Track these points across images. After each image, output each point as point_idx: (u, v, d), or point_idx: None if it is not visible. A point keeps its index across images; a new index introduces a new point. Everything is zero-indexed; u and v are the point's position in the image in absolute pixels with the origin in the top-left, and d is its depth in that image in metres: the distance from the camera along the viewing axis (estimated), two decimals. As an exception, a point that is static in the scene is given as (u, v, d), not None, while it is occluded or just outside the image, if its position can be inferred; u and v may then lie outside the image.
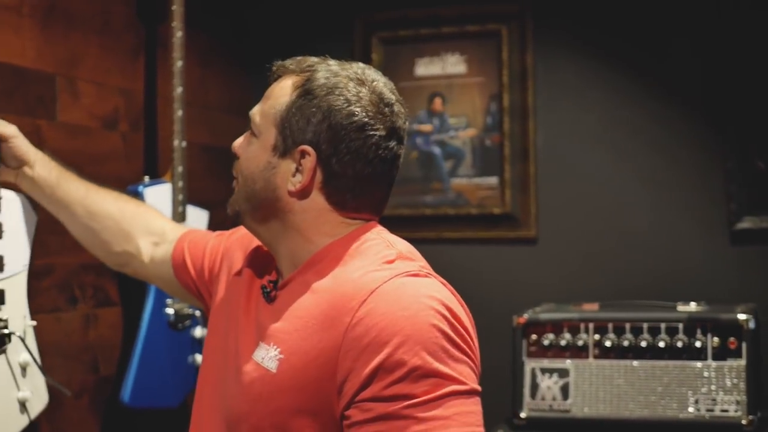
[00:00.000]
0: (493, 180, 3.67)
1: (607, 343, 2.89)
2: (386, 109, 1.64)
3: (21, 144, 2.11)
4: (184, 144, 3.04)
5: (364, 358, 1.47)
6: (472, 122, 3.70)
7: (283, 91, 1.66)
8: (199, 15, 3.36)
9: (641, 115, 3.54)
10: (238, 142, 1.73)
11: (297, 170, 1.62)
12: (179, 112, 3.05)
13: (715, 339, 2.84)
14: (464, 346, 1.50)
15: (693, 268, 3.43)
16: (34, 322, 2.25)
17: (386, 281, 1.52)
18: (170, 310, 3.02)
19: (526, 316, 2.98)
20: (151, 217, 2.19)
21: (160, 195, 3.01)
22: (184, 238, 2.08)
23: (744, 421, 2.80)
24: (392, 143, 1.64)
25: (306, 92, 1.62)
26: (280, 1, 3.93)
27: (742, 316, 2.84)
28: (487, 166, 3.69)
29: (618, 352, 2.89)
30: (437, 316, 1.49)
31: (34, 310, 2.69)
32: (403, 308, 1.48)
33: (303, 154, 1.61)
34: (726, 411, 2.80)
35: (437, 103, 3.70)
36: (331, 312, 1.53)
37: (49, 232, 2.74)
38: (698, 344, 2.83)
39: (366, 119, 1.61)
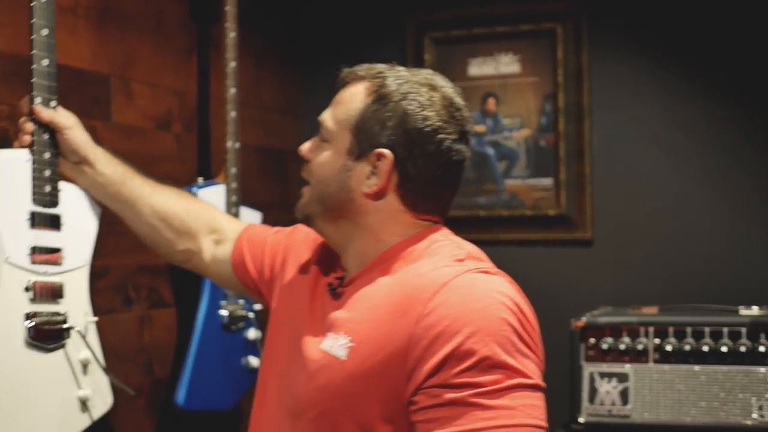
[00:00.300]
0: (547, 181, 3.63)
1: (668, 348, 2.84)
2: (457, 113, 1.70)
3: (78, 137, 2.11)
4: (237, 145, 3.03)
5: (435, 347, 1.52)
6: (526, 122, 3.66)
7: (355, 97, 1.71)
8: (251, 15, 3.35)
9: (699, 115, 3.49)
10: (307, 147, 1.78)
11: (372, 173, 1.69)
12: (233, 113, 3.04)
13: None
14: (531, 343, 1.55)
15: (754, 271, 3.38)
16: (96, 318, 2.23)
17: (458, 275, 1.57)
18: (224, 312, 3.01)
19: (584, 319, 2.94)
20: (212, 215, 2.22)
21: (213, 196, 3.00)
22: (242, 237, 2.11)
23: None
24: (462, 146, 1.70)
25: (380, 97, 1.68)
26: (331, 1, 3.91)
27: (808, 321, 2.79)
28: (541, 166, 3.64)
29: (679, 357, 2.83)
30: (507, 311, 1.54)
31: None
32: (474, 300, 1.54)
33: (379, 157, 1.67)
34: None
35: (491, 103, 3.67)
36: (404, 303, 1.58)
37: (105, 234, 2.74)
38: (762, 349, 2.77)
39: (439, 123, 1.67)
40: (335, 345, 1.64)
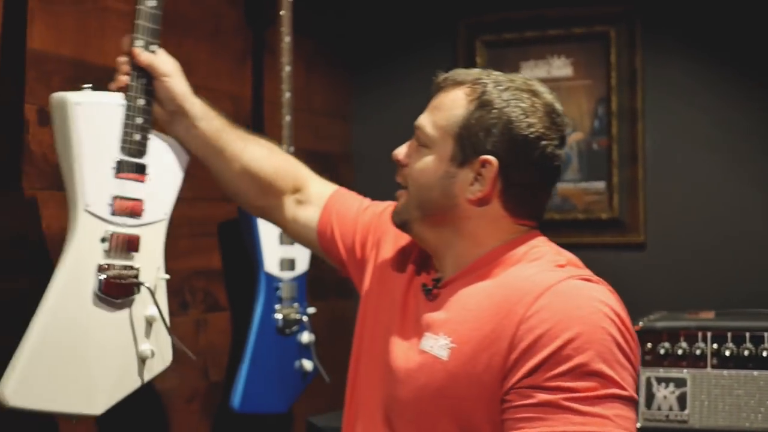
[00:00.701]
0: (600, 184, 3.62)
1: (726, 353, 2.81)
2: (558, 119, 1.73)
3: (177, 85, 2.07)
4: (292, 149, 3.05)
5: (535, 349, 1.54)
6: (578, 126, 3.65)
7: (456, 103, 1.72)
8: (302, 19, 3.36)
9: (754, 118, 3.48)
10: (403, 152, 1.80)
11: (476, 179, 1.70)
12: (287, 118, 3.06)
13: None
14: (630, 354, 1.57)
15: None
16: (168, 276, 2.22)
17: (562, 281, 1.59)
18: (278, 316, 3.02)
19: (641, 324, 2.92)
20: (299, 174, 2.21)
21: (269, 200, 3.02)
22: (331, 207, 2.12)
23: None
24: (562, 152, 1.74)
25: (483, 104, 1.69)
26: (382, 5, 3.92)
27: None
28: (594, 170, 3.63)
29: (737, 362, 2.81)
30: (607, 320, 1.55)
31: (148, 315, 2.73)
32: (577, 307, 1.55)
33: (484, 164, 1.69)
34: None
35: (542, 106, 3.66)
36: (505, 305, 1.60)
37: (163, 238, 2.77)
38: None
39: (543, 130, 1.69)
40: (435, 345, 1.66)
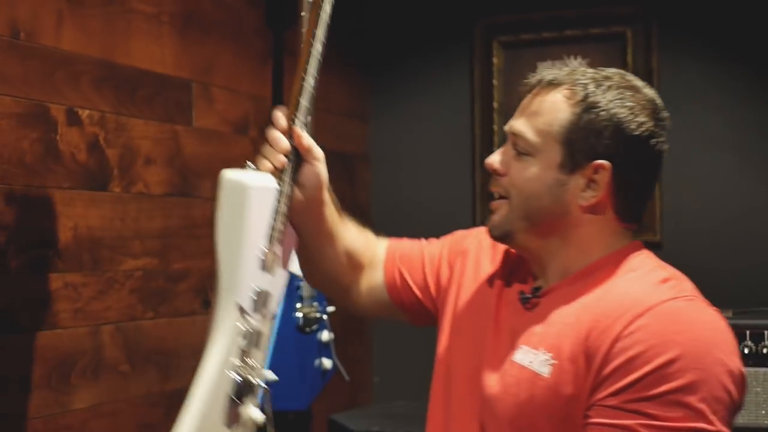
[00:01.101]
0: (616, 184, 3.63)
1: (745, 351, 2.83)
2: (662, 113, 1.65)
3: (324, 171, 1.83)
4: (312, 149, 3.07)
5: (625, 369, 1.47)
6: (594, 126, 3.66)
7: (556, 106, 1.62)
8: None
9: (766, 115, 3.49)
10: (500, 160, 1.68)
11: (588, 185, 1.61)
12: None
13: None
14: (731, 387, 1.46)
15: None
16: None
17: (665, 301, 1.51)
18: (299, 314, 3.04)
19: None
20: (372, 243, 2.01)
21: (290, 199, 3.04)
22: (392, 256, 1.96)
23: None
24: (666, 147, 1.64)
25: (590, 106, 1.59)
26: (399, 6, 3.95)
27: None
28: (610, 169, 3.65)
29: (756, 360, 2.83)
30: (708, 348, 1.47)
31: (173, 314, 2.77)
32: (677, 332, 1.47)
33: (597, 169, 1.60)
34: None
35: (559, 106, 3.68)
36: (604, 320, 1.52)
37: (186, 237, 2.81)
38: None
39: (652, 128, 1.61)
40: (536, 360, 1.59)
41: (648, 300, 1.51)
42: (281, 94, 3.26)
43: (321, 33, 1.90)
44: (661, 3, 3.59)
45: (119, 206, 2.58)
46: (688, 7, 3.58)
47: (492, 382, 1.65)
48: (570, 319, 1.58)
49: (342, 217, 1.93)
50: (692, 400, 1.43)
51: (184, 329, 2.83)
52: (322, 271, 1.94)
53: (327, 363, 3.13)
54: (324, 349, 3.15)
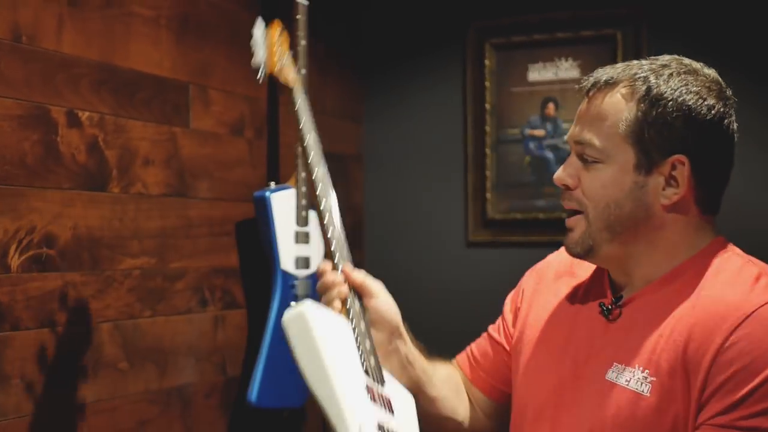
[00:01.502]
0: (607, 184, 3.68)
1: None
2: (727, 91, 1.60)
3: (387, 303, 1.72)
4: (307, 150, 3.11)
5: (732, 384, 1.41)
6: (585, 127, 3.71)
7: (619, 105, 1.55)
8: (317, 23, 3.43)
9: (758, 119, 3.53)
10: (568, 173, 1.60)
11: (668, 183, 1.55)
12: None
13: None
14: None
15: None
16: None
17: (762, 306, 1.44)
18: (294, 313, 3.08)
19: None
20: (453, 372, 1.92)
21: (285, 200, 3.08)
22: (472, 367, 1.90)
23: None
24: (736, 126, 1.60)
25: (655, 99, 1.53)
26: (393, 9, 3.99)
27: None
28: (600, 170, 3.69)
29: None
30: None
31: (170, 312, 2.81)
32: None
33: (675, 164, 1.54)
34: None
35: (550, 108, 3.72)
36: (701, 331, 1.46)
37: (183, 237, 2.85)
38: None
39: (723, 108, 1.56)
40: (633, 379, 1.51)
41: (745, 305, 1.45)
42: (276, 96, 3.31)
43: (309, 135, 1.95)
44: (652, 6, 3.63)
45: (118, 206, 2.62)
46: (678, 10, 3.62)
47: (593, 409, 1.56)
48: (664, 331, 1.51)
49: (427, 355, 1.83)
50: None
51: (181, 327, 2.87)
52: (433, 414, 1.83)
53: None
54: (319, 347, 3.19)
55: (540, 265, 1.86)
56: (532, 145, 3.76)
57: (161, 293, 2.79)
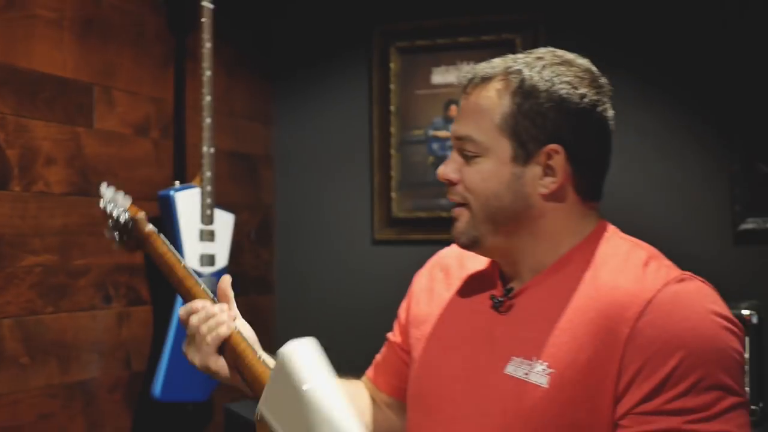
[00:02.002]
0: (506, 184, 3.79)
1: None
2: (601, 80, 1.63)
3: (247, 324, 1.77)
4: (212, 150, 3.19)
5: (647, 371, 1.43)
6: (486, 128, 3.82)
7: (494, 100, 1.58)
8: (225, 27, 3.50)
9: (651, 122, 3.66)
10: (451, 169, 1.64)
11: (545, 173, 1.58)
12: (208, 120, 3.20)
13: (720, 334, 2.96)
14: (742, 354, 1.47)
15: (699, 267, 3.48)
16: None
17: (660, 291, 1.48)
18: (199, 309, 3.15)
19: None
20: (361, 388, 1.98)
21: (189, 199, 3.16)
22: (379, 373, 1.96)
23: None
24: (612, 113, 1.62)
25: (528, 91, 1.57)
26: (302, 13, 4.07)
27: (745, 312, 2.97)
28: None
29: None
30: (719, 328, 1.46)
31: (73, 308, 2.86)
32: (683, 319, 1.45)
33: (550, 153, 1.57)
34: (747, 413, 2.92)
35: (453, 110, 3.84)
36: (604, 322, 1.48)
37: (87, 234, 2.90)
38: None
39: (595, 96, 1.58)
40: (531, 371, 1.52)
41: (644, 293, 1.48)
42: (183, 96, 3.38)
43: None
44: (549, 12, 3.76)
45: (19, 204, 2.67)
46: (574, 16, 3.75)
47: (489, 402, 1.58)
48: (562, 323, 1.53)
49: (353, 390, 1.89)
50: (721, 378, 1.42)
51: (84, 323, 2.92)
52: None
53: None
54: (224, 343, 3.26)
55: (431, 261, 1.89)
56: (435, 145, 3.86)
57: (64, 290, 2.84)
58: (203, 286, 1.78)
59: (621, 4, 3.71)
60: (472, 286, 1.73)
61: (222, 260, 3.29)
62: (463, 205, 1.62)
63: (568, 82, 1.56)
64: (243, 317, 1.76)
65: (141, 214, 1.87)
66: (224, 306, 1.71)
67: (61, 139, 2.83)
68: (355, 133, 3.98)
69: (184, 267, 1.80)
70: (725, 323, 1.46)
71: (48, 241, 2.77)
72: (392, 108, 3.89)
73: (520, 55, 1.63)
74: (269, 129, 4.06)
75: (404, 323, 1.87)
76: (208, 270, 3.23)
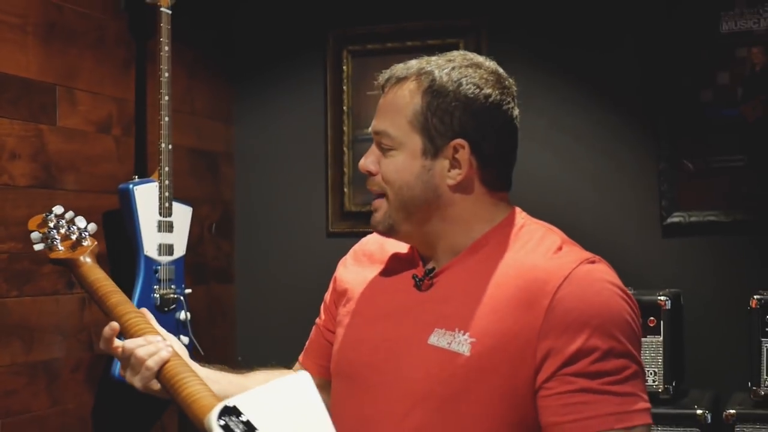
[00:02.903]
0: (452, 180, 4.01)
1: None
2: (506, 81, 1.77)
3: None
4: (170, 147, 3.41)
5: (566, 338, 1.58)
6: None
7: (407, 98, 1.72)
8: (187, 31, 3.73)
9: (585, 121, 3.89)
10: (369, 161, 1.77)
11: (452, 165, 1.71)
12: (166, 118, 3.42)
13: (637, 318, 3.20)
14: (639, 325, 1.67)
15: (630, 258, 3.73)
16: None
17: (574, 268, 1.63)
18: (156, 295, 3.38)
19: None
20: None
21: (148, 192, 3.38)
22: (308, 356, 2.04)
23: (660, 390, 3.18)
24: (517, 112, 1.76)
25: (437, 91, 1.70)
26: (261, 17, 4.28)
27: (661, 298, 3.21)
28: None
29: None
30: (622, 300, 1.64)
31: (36, 293, 3.08)
32: (596, 293, 1.62)
33: (456, 148, 1.70)
34: (645, 381, 3.15)
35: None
36: (525, 296, 1.63)
37: (50, 224, 3.11)
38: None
39: (500, 96, 1.72)
40: (453, 341, 1.65)
41: (561, 270, 1.62)
42: (144, 96, 3.60)
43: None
44: (492, 18, 3.98)
45: (-16, 196, 2.89)
46: (515, 21, 3.97)
47: (412, 369, 1.69)
48: (483, 298, 1.66)
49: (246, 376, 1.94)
50: (628, 347, 1.60)
51: (48, 307, 3.14)
52: None
53: (184, 340, 3.44)
54: (182, 327, 3.48)
55: (354, 247, 2.01)
56: (385, 143, 4.08)
57: (28, 276, 3.05)
58: (137, 313, 1.84)
59: (556, 12, 3.94)
60: (394, 267, 1.84)
61: (180, 250, 3.51)
62: (382, 196, 1.76)
63: (474, 83, 1.70)
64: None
65: (93, 244, 1.93)
66: (158, 337, 1.75)
67: (25, 136, 3.05)
68: (311, 131, 4.19)
69: (120, 294, 1.88)
70: (628, 299, 1.65)
71: (12, 230, 2.98)
72: (345, 108, 4.10)
73: (434, 58, 1.76)
74: (230, 127, 4.28)
75: (329, 305, 1.99)
76: (166, 259, 3.44)
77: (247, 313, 4.26)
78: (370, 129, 1.78)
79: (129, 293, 3.32)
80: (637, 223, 3.83)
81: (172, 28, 3.41)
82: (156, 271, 3.40)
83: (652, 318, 3.20)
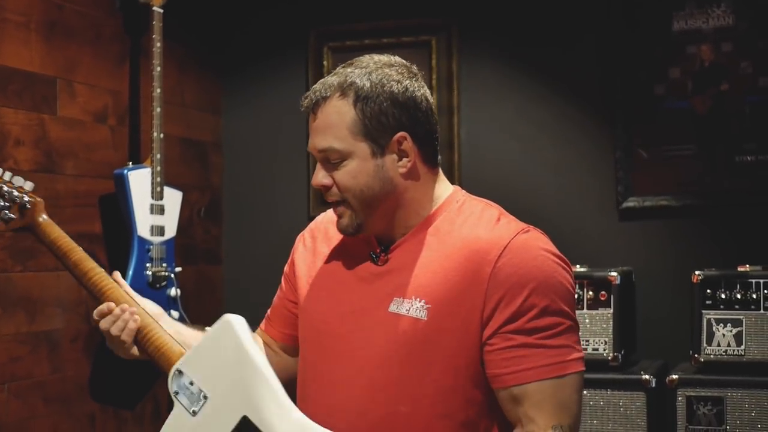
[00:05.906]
0: (424, 167, 4.25)
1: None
2: (413, 69, 1.96)
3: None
4: (161, 135, 3.67)
5: (507, 299, 1.79)
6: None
7: (340, 112, 1.85)
8: (176, 28, 3.98)
9: (548, 113, 4.13)
10: (321, 176, 1.89)
11: (399, 156, 1.87)
12: (158, 110, 3.68)
13: (590, 292, 3.49)
14: (573, 286, 1.87)
15: (589, 240, 4.03)
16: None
17: (513, 238, 1.83)
18: (149, 272, 3.63)
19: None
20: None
21: (141, 177, 3.63)
22: (270, 324, 2.20)
23: (610, 357, 3.46)
24: (428, 91, 1.95)
25: (365, 98, 1.84)
26: (246, 16, 4.54)
27: (612, 274, 3.49)
28: (420, 155, 4.27)
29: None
30: (556, 264, 1.84)
31: (39, 269, 3.33)
32: (532, 258, 1.82)
33: (400, 141, 1.86)
34: (596, 350, 3.44)
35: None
36: (471, 264, 1.82)
37: (51, 206, 3.34)
38: (576, 296, 3.44)
39: (415, 84, 1.89)
40: (412, 308, 1.83)
41: (501, 240, 1.82)
42: (138, 89, 3.86)
43: None
44: (462, 17, 4.23)
45: (-8, 179, 3.14)
46: (484, 20, 4.22)
47: (377, 335, 1.86)
48: (435, 268, 1.85)
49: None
50: (561, 305, 1.81)
51: (49, 282, 3.39)
52: None
53: (175, 315, 3.68)
54: (173, 302, 3.73)
55: (310, 225, 2.15)
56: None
57: (31, 253, 3.30)
58: (99, 269, 2.10)
59: (522, 13, 4.20)
60: (350, 243, 1.98)
61: (171, 231, 3.77)
62: (341, 203, 1.89)
63: (395, 80, 1.87)
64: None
65: (39, 201, 2.14)
66: (124, 306, 2.01)
67: (29, 125, 3.31)
68: (294, 123, 4.39)
69: (81, 251, 2.10)
70: (561, 263, 1.85)
71: (17, 211, 3.24)
72: (325, 101, 4.35)
73: (348, 69, 1.89)
74: (218, 118, 4.53)
75: (290, 275, 2.11)
76: (158, 239, 3.70)
77: (234, 292, 4.49)
78: (309, 149, 1.90)
79: (123, 270, 3.55)
80: (595, 207, 4.08)
81: (163, 25, 3.67)
82: (148, 251, 3.64)
83: (603, 292, 3.47)
